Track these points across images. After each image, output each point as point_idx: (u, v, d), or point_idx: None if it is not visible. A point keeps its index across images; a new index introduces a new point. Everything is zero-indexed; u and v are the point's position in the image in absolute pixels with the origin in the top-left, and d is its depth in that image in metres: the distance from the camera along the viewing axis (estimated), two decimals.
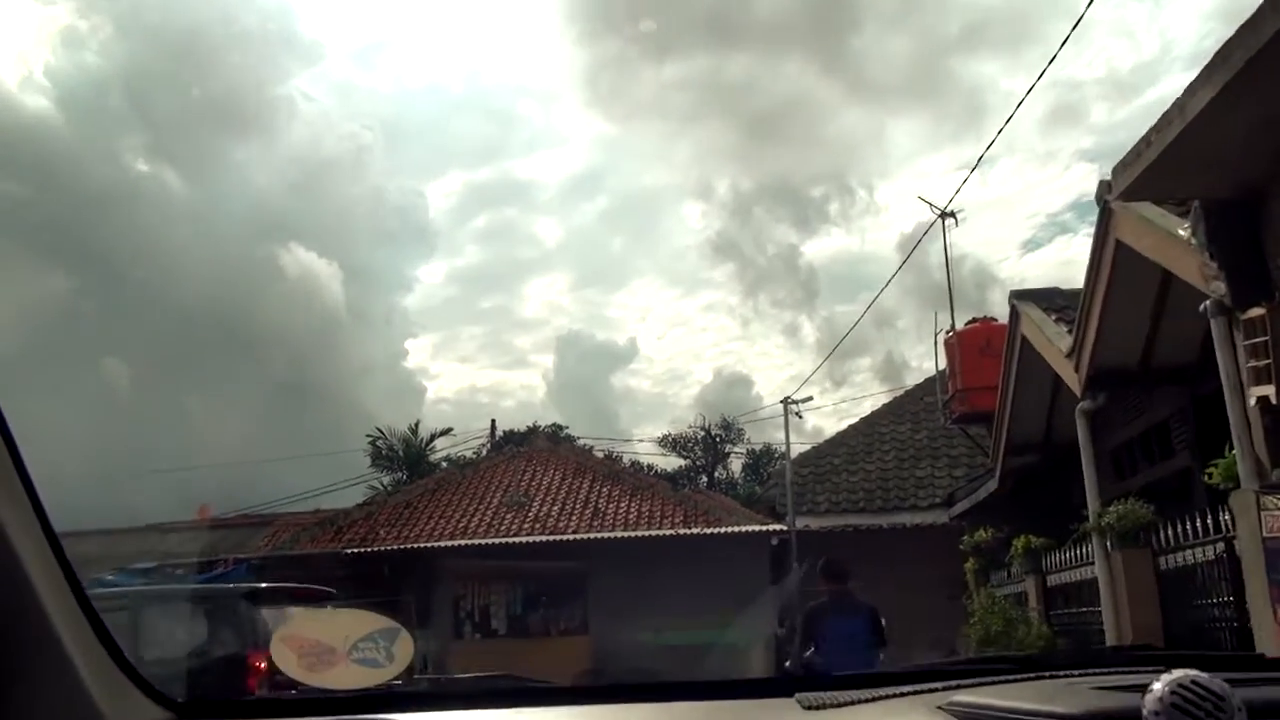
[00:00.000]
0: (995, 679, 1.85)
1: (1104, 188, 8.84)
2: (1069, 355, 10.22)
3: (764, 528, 18.86)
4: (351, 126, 57.55)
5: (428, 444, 35.50)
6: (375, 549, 17.55)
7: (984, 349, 17.51)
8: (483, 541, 18.01)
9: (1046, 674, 1.91)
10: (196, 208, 46.15)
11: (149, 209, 44.57)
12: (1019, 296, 12.10)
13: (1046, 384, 12.63)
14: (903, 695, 1.76)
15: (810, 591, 18.39)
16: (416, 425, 35.67)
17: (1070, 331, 10.57)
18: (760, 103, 50.84)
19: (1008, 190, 51.26)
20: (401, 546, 17.81)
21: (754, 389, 55.03)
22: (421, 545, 17.85)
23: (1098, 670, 1.93)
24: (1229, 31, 5.30)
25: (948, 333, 18.16)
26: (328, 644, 2.06)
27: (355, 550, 17.37)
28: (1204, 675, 1.41)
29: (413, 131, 61.87)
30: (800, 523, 19.85)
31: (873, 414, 24.35)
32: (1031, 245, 53.64)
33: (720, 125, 53.31)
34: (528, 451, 24.30)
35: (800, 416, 21.82)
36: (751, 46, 50.29)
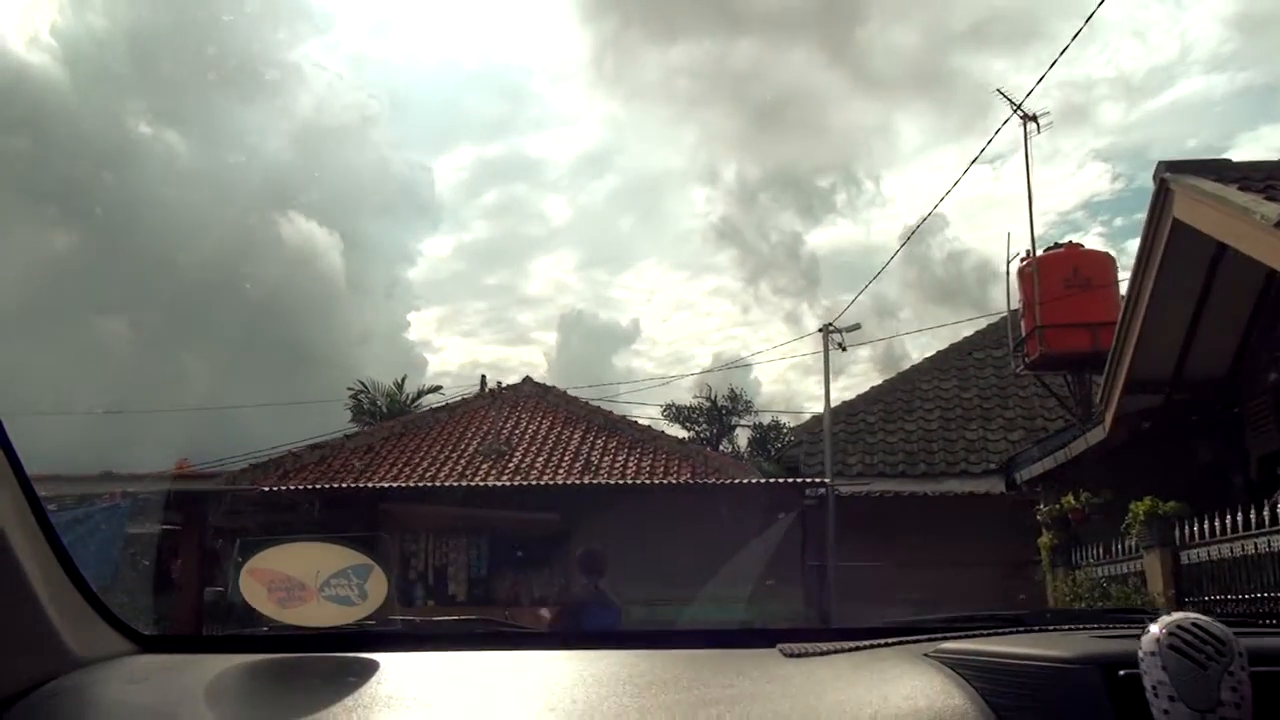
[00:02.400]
0: (986, 630, 1.81)
1: None
2: None
3: (798, 480, 15.56)
4: (359, 96, 55.74)
5: (414, 400, 33.15)
6: (302, 486, 14.21)
7: (1071, 278, 14.34)
8: (437, 484, 14.72)
9: (1036, 628, 1.84)
10: (198, 170, 45.10)
11: (151, 170, 43.64)
12: (1174, 169, 8.81)
13: (1191, 293, 9.49)
14: (888, 645, 1.71)
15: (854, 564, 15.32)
16: (403, 380, 33.58)
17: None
18: (767, 91, 49.26)
19: (1018, 188, 49.26)
20: (334, 485, 14.46)
21: (753, 374, 53.32)
22: (360, 485, 14.55)
23: (1095, 625, 1.87)
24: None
25: (1023, 258, 14.88)
26: (299, 579, 1.91)
27: (276, 488, 14.03)
28: (1205, 618, 1.29)
29: (422, 104, 60.70)
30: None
31: (912, 369, 21.12)
32: (1042, 243, 51.87)
33: (727, 111, 53.40)
34: (511, 397, 21.04)
35: (844, 349, 18.41)
36: (758, 34, 49.36)
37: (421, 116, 61.07)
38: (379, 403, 32.82)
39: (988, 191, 47.64)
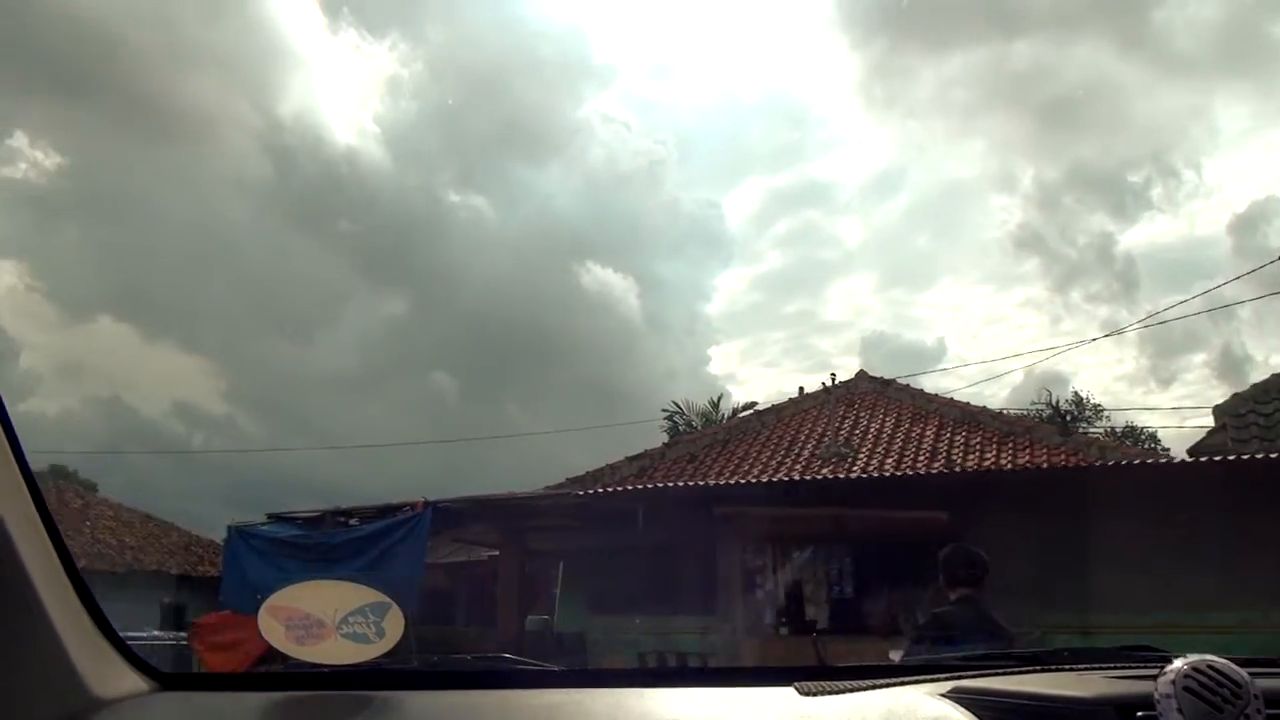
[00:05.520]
0: (1002, 669, 1.79)
1: None
2: None
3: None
4: (646, 143, 59.68)
5: (730, 419, 32.12)
6: (618, 488, 12.11)
7: None
8: (787, 478, 12.19)
9: (1054, 667, 1.82)
10: (502, 231, 49.95)
11: (461, 234, 49.46)
12: None
13: None
14: (904, 683, 1.67)
15: None
16: (719, 400, 32.98)
17: None
18: (1057, 88, 46.99)
19: None
20: (660, 485, 12.22)
21: (1071, 386, 48.10)
22: (692, 483, 12.23)
23: (1110, 665, 1.79)
24: None
25: None
26: (317, 617, 1.92)
27: (590, 491, 12.03)
28: (1221, 660, 1.32)
29: (706, 142, 63.66)
30: None
31: None
32: None
33: (1015, 114, 50.98)
34: (846, 395, 18.36)
35: None
36: (1037, 32, 47.14)
37: (707, 154, 63.39)
38: (694, 423, 32.33)
39: None
